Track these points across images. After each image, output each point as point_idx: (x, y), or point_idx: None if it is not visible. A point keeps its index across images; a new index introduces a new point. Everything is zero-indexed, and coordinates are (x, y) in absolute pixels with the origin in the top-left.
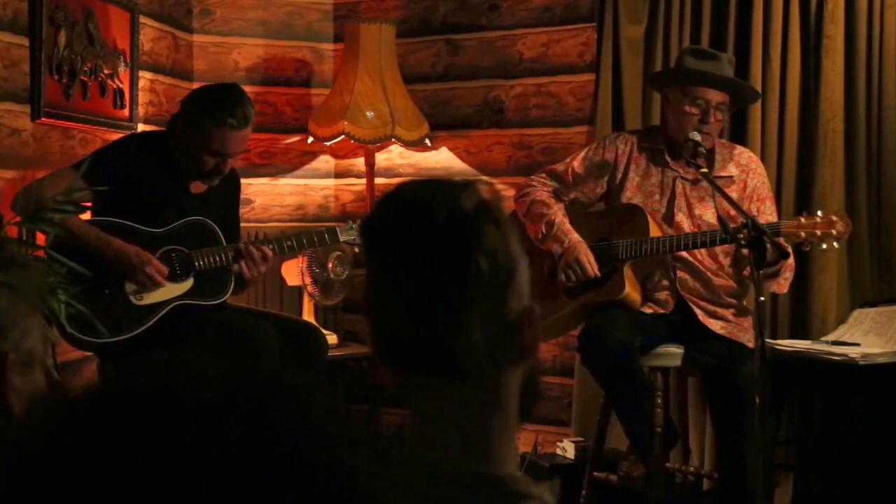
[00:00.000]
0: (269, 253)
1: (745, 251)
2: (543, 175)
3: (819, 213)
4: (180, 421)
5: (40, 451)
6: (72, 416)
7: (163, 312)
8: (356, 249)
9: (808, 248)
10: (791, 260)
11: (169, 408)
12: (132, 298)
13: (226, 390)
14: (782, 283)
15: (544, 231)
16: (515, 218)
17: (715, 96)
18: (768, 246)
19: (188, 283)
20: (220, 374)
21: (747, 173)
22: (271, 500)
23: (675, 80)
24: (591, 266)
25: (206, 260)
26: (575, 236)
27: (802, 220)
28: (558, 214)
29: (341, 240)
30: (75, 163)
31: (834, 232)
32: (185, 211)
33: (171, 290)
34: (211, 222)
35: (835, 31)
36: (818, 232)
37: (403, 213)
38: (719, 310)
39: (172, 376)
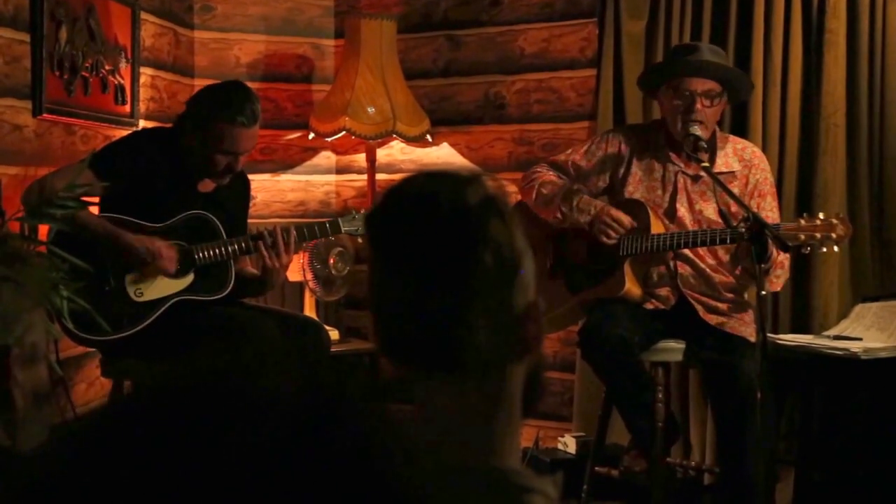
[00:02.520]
0: (294, 236)
1: (742, 250)
2: (545, 165)
3: (820, 215)
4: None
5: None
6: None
7: (163, 308)
8: (359, 240)
9: (807, 251)
10: (784, 260)
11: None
12: (132, 295)
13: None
14: (774, 282)
15: (564, 209)
16: (520, 212)
17: (698, 85)
18: (769, 241)
19: (188, 279)
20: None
21: (750, 168)
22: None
23: (656, 76)
24: (626, 218)
25: (205, 254)
26: (599, 201)
27: (802, 222)
28: (574, 189)
29: (343, 230)
30: (85, 158)
31: (834, 235)
32: (193, 210)
33: (171, 286)
34: (211, 216)
35: (837, 26)
36: (818, 235)
37: (408, 207)
38: (720, 305)
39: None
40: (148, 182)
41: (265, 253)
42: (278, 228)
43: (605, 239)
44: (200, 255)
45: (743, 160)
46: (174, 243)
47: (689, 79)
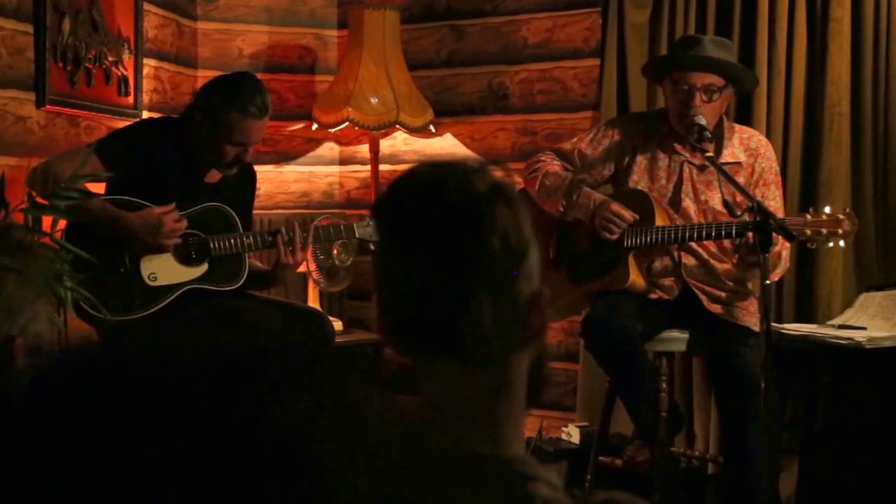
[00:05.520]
0: (311, 234)
1: (749, 236)
2: (550, 153)
3: (826, 209)
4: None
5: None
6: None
7: (175, 295)
8: (371, 247)
9: (812, 246)
10: (784, 251)
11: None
12: (146, 279)
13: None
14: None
15: (565, 202)
16: (525, 200)
17: (698, 79)
18: (774, 231)
19: (203, 268)
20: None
21: (756, 157)
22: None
23: (658, 68)
24: (627, 212)
25: (221, 244)
26: (599, 195)
27: (808, 217)
28: (576, 182)
29: (357, 235)
30: (90, 143)
31: (840, 231)
32: (199, 200)
33: (185, 274)
34: (229, 209)
35: (841, 14)
36: (824, 230)
37: (416, 194)
38: (724, 295)
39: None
40: (153, 171)
41: (281, 248)
42: (297, 225)
43: (606, 235)
44: (216, 244)
45: (749, 149)
46: (191, 232)
47: (689, 72)
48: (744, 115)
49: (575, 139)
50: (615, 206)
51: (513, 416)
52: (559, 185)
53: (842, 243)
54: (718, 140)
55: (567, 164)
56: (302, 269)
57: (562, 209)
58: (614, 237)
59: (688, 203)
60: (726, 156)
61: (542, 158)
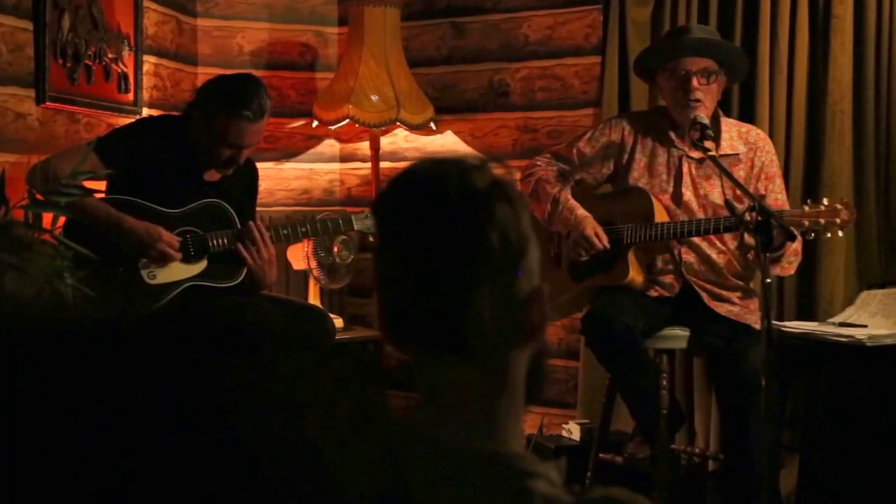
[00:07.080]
0: (267, 235)
1: (749, 238)
2: (548, 156)
3: (824, 201)
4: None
5: None
6: None
7: (175, 293)
8: (371, 238)
9: (812, 237)
10: (798, 245)
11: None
12: (145, 277)
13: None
14: (786, 267)
15: (550, 210)
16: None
17: (692, 64)
18: (774, 230)
19: (201, 265)
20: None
21: (755, 151)
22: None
23: (651, 60)
24: (600, 239)
25: (219, 241)
26: (581, 212)
27: (807, 208)
28: (563, 193)
29: (356, 228)
30: (90, 141)
31: (838, 220)
32: (200, 198)
33: (184, 271)
34: (227, 205)
35: (843, 11)
36: (822, 221)
37: (416, 191)
38: (725, 292)
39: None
40: (153, 169)
41: (245, 254)
42: (256, 225)
43: (574, 256)
44: (214, 242)
45: (748, 143)
46: (189, 229)
47: (683, 59)
48: (746, 113)
49: (573, 139)
50: (590, 231)
51: (512, 412)
52: (547, 191)
53: (840, 233)
54: (716, 132)
55: (564, 167)
56: (303, 266)
57: (546, 217)
58: (582, 259)
59: (689, 196)
60: (724, 147)
61: (538, 164)
